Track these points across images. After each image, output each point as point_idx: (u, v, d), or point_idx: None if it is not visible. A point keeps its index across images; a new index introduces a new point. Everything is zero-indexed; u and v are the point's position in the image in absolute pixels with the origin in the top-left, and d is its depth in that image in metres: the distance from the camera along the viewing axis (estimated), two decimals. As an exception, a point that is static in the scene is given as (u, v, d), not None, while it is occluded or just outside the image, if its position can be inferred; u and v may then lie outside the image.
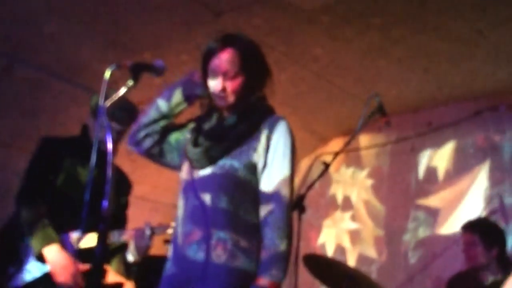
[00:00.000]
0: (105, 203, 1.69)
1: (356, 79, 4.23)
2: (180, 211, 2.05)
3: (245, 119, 1.98)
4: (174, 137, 2.14)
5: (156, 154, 2.16)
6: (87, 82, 3.71)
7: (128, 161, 4.35)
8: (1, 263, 2.55)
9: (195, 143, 2.02)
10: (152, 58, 3.24)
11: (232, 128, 1.98)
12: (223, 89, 1.95)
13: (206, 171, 1.97)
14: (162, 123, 2.10)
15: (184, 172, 2.07)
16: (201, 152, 1.98)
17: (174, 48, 3.61)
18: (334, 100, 4.52)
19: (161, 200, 5.00)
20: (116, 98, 2.50)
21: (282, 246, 1.85)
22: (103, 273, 2.55)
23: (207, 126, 2.06)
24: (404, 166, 4.66)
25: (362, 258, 4.74)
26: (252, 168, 1.94)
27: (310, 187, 2.78)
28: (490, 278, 3.20)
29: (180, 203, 2.05)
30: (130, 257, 2.60)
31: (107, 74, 1.79)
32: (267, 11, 3.33)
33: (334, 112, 4.72)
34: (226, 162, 1.94)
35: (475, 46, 3.65)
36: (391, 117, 2.94)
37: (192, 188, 1.97)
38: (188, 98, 2.10)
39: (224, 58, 1.94)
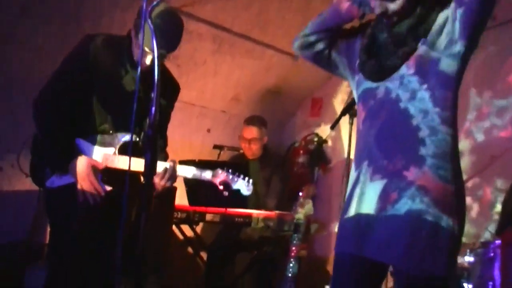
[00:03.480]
0: (153, 110, 1.74)
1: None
2: (359, 137, 2.00)
3: (418, 25, 1.87)
4: (345, 41, 2.08)
5: (324, 59, 2.10)
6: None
7: (174, 66, 4.43)
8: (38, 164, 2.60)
9: (369, 53, 1.96)
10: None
11: (405, 36, 1.87)
12: (383, 13, 1.88)
13: (382, 85, 1.90)
14: (335, 29, 2.05)
15: (357, 87, 2.02)
16: (376, 63, 1.92)
17: None
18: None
19: (208, 106, 5.11)
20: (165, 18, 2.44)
21: None
22: (153, 183, 2.49)
23: (379, 34, 1.97)
24: None
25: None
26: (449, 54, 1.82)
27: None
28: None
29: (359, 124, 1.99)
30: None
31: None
32: None
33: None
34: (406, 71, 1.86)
35: None
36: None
37: (369, 107, 1.93)
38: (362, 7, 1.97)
39: None
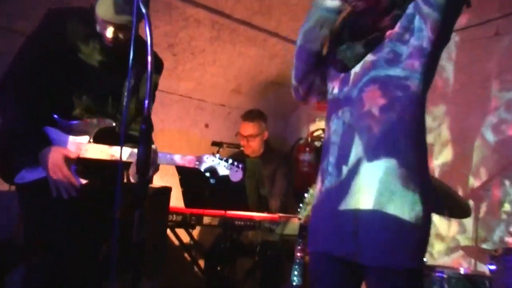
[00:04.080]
0: (146, 103, 1.74)
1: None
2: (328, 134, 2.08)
3: (382, 15, 1.99)
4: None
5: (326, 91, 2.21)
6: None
7: (169, 55, 4.39)
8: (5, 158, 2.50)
9: (335, 44, 2.09)
10: None
11: (369, 26, 2.00)
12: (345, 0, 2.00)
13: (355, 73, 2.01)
14: (315, 62, 2.17)
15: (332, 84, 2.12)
16: (347, 49, 2.04)
17: None
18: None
19: (206, 99, 5.05)
20: None
21: None
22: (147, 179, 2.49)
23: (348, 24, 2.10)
24: (484, 54, 4.37)
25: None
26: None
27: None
28: None
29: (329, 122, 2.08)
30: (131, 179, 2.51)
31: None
32: None
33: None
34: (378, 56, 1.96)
35: None
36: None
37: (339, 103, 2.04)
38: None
39: None
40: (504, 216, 4.09)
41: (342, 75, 2.06)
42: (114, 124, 2.54)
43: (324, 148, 2.06)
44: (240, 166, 2.59)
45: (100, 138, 2.49)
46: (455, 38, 4.63)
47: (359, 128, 1.95)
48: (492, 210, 4.17)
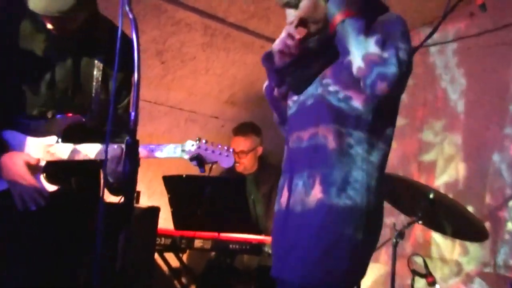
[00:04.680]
0: (133, 114, 1.67)
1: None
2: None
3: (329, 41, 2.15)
4: None
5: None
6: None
7: (158, 62, 4.35)
8: None
9: (288, 68, 2.24)
10: None
11: (317, 49, 2.19)
12: (291, 23, 2.20)
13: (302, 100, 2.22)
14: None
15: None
16: (295, 75, 2.23)
17: None
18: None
19: (198, 110, 4.98)
20: None
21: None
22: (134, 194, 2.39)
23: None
24: (501, 62, 4.32)
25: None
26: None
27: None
28: None
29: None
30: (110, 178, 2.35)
31: None
32: None
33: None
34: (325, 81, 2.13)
35: None
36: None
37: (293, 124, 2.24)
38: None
39: None
40: (507, 237, 4.03)
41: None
42: (83, 120, 2.42)
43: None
44: (231, 150, 2.43)
45: (70, 136, 2.36)
46: (453, 46, 4.61)
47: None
48: (495, 230, 4.12)
